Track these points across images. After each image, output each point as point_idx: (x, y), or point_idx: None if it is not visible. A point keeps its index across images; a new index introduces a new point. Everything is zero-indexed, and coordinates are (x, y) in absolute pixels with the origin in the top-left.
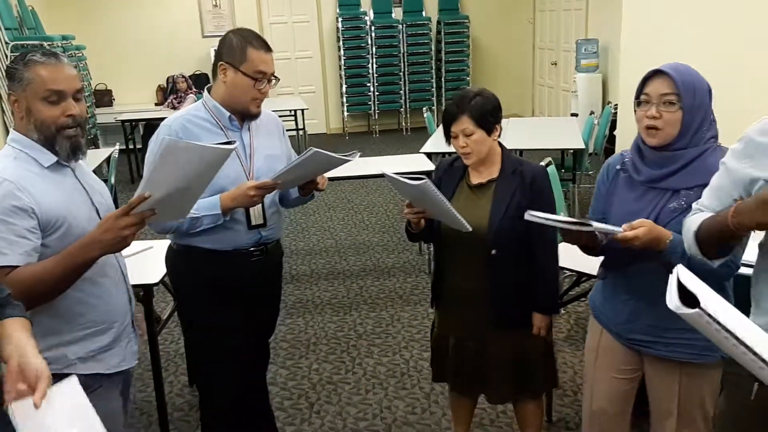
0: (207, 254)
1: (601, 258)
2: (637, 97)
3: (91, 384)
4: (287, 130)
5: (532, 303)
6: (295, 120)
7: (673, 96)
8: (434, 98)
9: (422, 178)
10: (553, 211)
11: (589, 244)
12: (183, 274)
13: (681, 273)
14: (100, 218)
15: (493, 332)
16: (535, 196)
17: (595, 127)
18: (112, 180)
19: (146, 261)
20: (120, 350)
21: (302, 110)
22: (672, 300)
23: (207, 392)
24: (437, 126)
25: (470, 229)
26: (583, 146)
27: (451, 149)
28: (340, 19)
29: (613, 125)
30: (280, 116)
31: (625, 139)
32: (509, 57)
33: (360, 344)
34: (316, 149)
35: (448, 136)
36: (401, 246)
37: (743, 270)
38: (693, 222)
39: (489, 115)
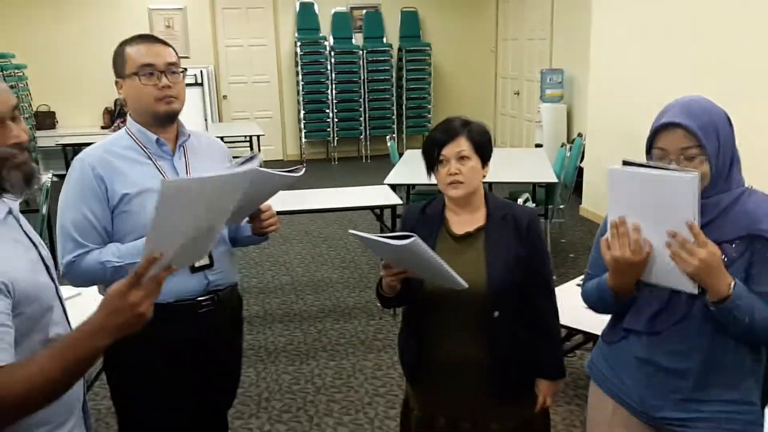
0: None
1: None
2: (648, 150)
3: None
4: (236, 157)
5: (537, 368)
6: (251, 146)
7: (695, 149)
8: (395, 126)
9: (409, 236)
10: (548, 260)
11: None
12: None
13: None
14: (51, 278)
15: (493, 407)
16: (533, 245)
17: (566, 159)
18: (44, 211)
19: (74, 311)
20: None
21: (258, 136)
22: None
23: None
24: (400, 155)
25: (466, 286)
26: (556, 180)
27: (420, 180)
28: (298, 44)
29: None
30: (234, 142)
31: (592, 172)
32: (471, 86)
33: (318, 400)
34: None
35: (433, 164)
36: (363, 283)
37: None
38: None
39: (486, 144)
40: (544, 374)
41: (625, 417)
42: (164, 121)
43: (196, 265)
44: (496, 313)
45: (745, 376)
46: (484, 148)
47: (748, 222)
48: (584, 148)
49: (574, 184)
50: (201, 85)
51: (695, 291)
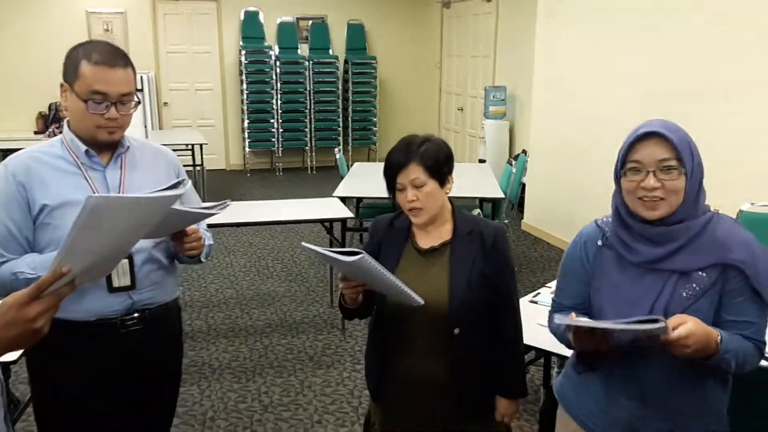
0: (66, 326)
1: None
2: (622, 164)
3: None
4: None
5: (497, 387)
6: (193, 155)
7: (674, 160)
8: (341, 138)
9: (358, 252)
10: (512, 278)
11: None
12: (39, 353)
13: None
14: None
15: (454, 425)
16: (498, 262)
17: (512, 176)
18: None
19: None
20: None
21: (200, 144)
22: None
23: None
24: (348, 168)
25: (422, 303)
26: (502, 195)
27: (369, 193)
28: (243, 52)
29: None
30: (175, 150)
31: (535, 187)
32: (416, 100)
33: (266, 419)
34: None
35: (393, 189)
36: (310, 297)
37: None
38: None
39: (443, 164)
40: (505, 393)
41: None
42: (101, 147)
43: (115, 285)
44: (457, 331)
45: (718, 405)
46: (439, 170)
47: (719, 250)
48: (526, 165)
49: (518, 199)
50: (141, 91)
51: (663, 325)
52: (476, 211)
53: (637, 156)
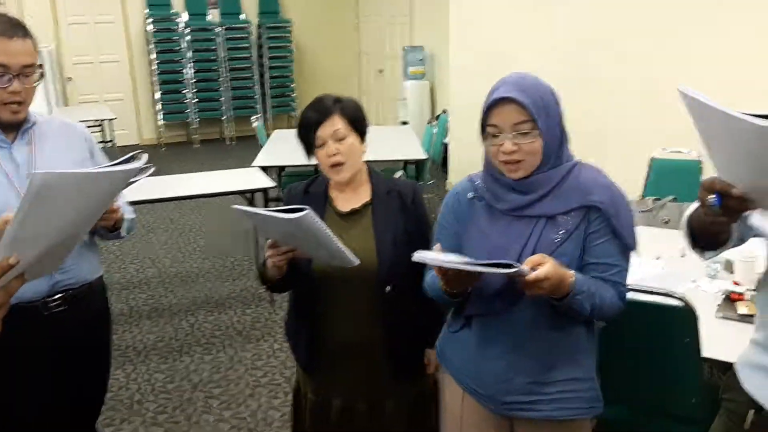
0: None
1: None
2: (483, 129)
3: None
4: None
5: (426, 341)
6: (102, 131)
7: (528, 123)
8: (258, 105)
9: (302, 209)
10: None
11: (468, 289)
12: None
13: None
14: None
15: (388, 386)
16: (419, 218)
17: (434, 136)
18: None
19: None
20: None
21: (110, 120)
22: None
23: None
24: (267, 136)
25: (358, 262)
26: (425, 156)
27: (291, 161)
28: (149, 21)
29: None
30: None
31: (457, 147)
32: (334, 64)
33: (196, 397)
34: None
35: (311, 147)
36: (236, 272)
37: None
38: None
39: (362, 119)
40: (432, 345)
41: (473, 405)
42: (5, 125)
43: None
44: (388, 288)
45: (584, 351)
46: (359, 124)
47: (581, 194)
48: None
49: (441, 159)
50: (41, 66)
51: (517, 269)
52: (399, 173)
53: (494, 120)
